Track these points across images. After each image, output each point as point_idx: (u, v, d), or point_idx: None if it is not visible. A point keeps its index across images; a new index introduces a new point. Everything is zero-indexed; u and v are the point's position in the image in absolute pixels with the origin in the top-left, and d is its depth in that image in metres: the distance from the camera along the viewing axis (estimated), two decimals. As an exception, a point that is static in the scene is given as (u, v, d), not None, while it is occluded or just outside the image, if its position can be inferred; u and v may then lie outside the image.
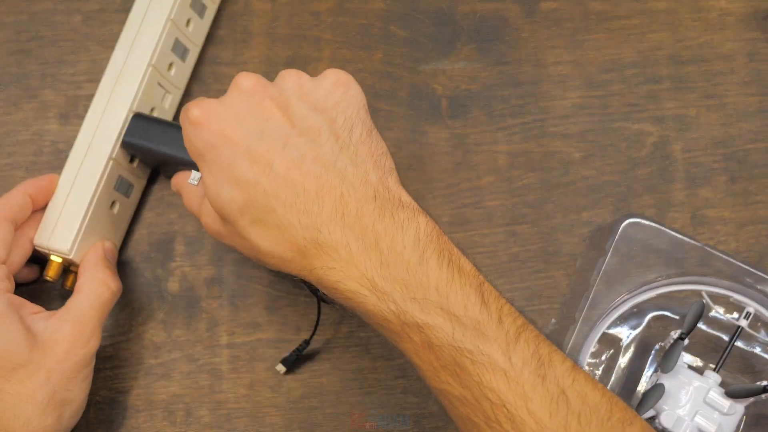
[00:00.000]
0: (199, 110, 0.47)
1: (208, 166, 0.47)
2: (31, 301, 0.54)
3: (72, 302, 0.53)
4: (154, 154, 0.57)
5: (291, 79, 0.48)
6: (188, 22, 0.61)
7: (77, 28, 0.64)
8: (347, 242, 0.44)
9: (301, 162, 0.45)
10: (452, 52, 0.64)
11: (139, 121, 0.57)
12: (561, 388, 0.42)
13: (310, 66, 0.63)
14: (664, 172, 0.61)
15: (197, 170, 0.53)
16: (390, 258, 0.44)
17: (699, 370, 0.54)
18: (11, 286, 0.54)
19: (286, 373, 0.58)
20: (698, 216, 0.61)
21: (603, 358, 0.56)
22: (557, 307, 0.59)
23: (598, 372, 0.56)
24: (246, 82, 0.47)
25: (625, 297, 0.55)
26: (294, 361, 0.57)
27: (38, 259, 0.58)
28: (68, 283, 0.58)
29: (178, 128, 0.55)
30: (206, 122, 0.47)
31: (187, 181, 0.54)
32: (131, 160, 0.58)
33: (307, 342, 0.57)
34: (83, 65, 0.63)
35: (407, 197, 0.47)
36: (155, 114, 0.60)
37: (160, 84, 0.59)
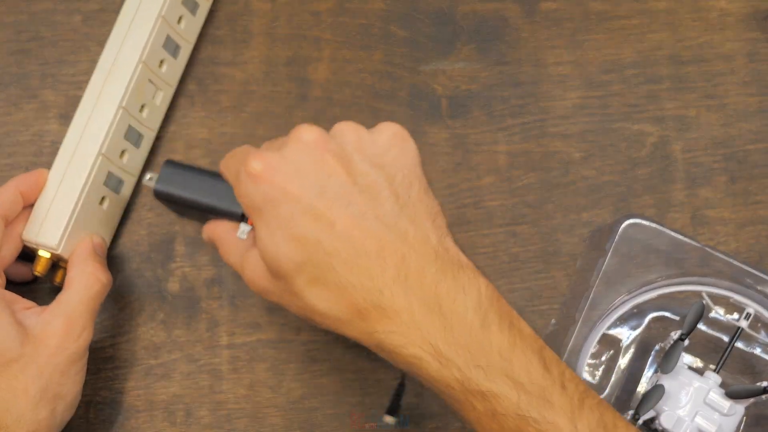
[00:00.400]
0: (260, 163, 0.45)
1: (266, 221, 0.45)
2: (25, 297, 0.54)
3: (62, 296, 0.53)
4: (188, 204, 0.56)
5: (350, 132, 0.47)
6: (180, 19, 0.61)
7: (77, 28, 0.64)
8: (410, 305, 0.43)
9: (362, 220, 0.44)
10: (452, 52, 0.64)
11: (171, 168, 0.56)
12: None
13: (310, 66, 0.63)
14: (664, 173, 0.61)
15: (239, 220, 0.52)
16: (453, 321, 0.43)
17: (699, 371, 0.54)
18: (1, 281, 0.54)
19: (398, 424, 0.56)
20: (698, 216, 0.61)
21: (603, 358, 0.56)
22: (557, 308, 0.59)
23: (598, 373, 0.56)
24: (308, 135, 0.46)
25: (625, 298, 0.55)
26: (398, 407, 0.54)
27: (32, 258, 0.58)
28: (58, 279, 0.58)
29: (211, 175, 0.55)
30: (268, 176, 0.45)
31: (227, 231, 0.52)
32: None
33: (402, 385, 0.54)
34: (83, 65, 0.63)
35: (465, 258, 0.45)
36: (146, 111, 0.59)
37: (151, 81, 0.59)
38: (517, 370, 0.42)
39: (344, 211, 0.44)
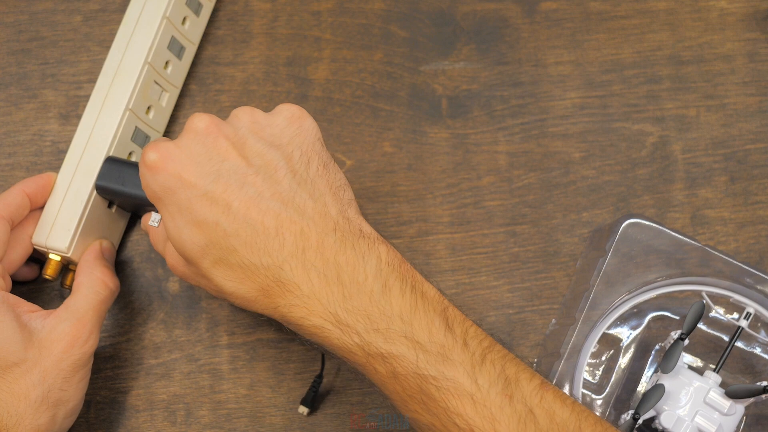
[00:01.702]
0: (155, 153, 0.47)
1: (168, 209, 0.47)
2: (30, 300, 0.54)
3: (70, 301, 0.53)
4: (125, 197, 0.56)
5: (245, 116, 0.48)
6: (184, 20, 0.61)
7: (77, 28, 0.64)
8: (309, 278, 0.44)
9: (259, 200, 0.45)
10: (452, 52, 0.64)
11: (112, 165, 0.56)
12: (529, 407, 0.42)
13: (311, 66, 0.63)
14: (664, 173, 0.61)
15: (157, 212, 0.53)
16: (352, 290, 0.44)
17: (699, 371, 0.54)
18: (6, 284, 0.54)
19: (310, 414, 0.58)
20: (698, 216, 0.61)
21: (603, 358, 0.56)
22: (557, 308, 0.59)
23: (598, 372, 0.56)
24: (200, 123, 0.47)
25: (625, 297, 0.55)
26: (313, 399, 0.57)
27: (38, 258, 0.58)
28: (67, 282, 0.58)
29: None
30: (162, 165, 0.47)
31: (152, 222, 0.54)
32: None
33: (320, 377, 0.57)
34: (83, 65, 0.63)
35: (368, 227, 0.47)
36: (152, 112, 0.60)
37: (156, 82, 0.59)
38: (417, 331, 0.43)
39: (240, 192, 0.45)
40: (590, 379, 0.56)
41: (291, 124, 0.48)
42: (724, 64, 0.63)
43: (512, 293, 0.59)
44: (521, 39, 0.64)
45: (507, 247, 0.60)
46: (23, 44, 0.64)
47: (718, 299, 0.55)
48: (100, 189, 0.56)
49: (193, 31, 0.62)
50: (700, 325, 0.56)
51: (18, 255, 0.55)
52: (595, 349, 0.55)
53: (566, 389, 0.54)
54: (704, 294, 0.55)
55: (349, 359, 0.45)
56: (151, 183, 0.47)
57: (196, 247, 0.46)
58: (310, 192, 0.46)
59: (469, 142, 0.62)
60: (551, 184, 0.61)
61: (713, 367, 0.54)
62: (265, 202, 0.45)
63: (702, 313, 0.53)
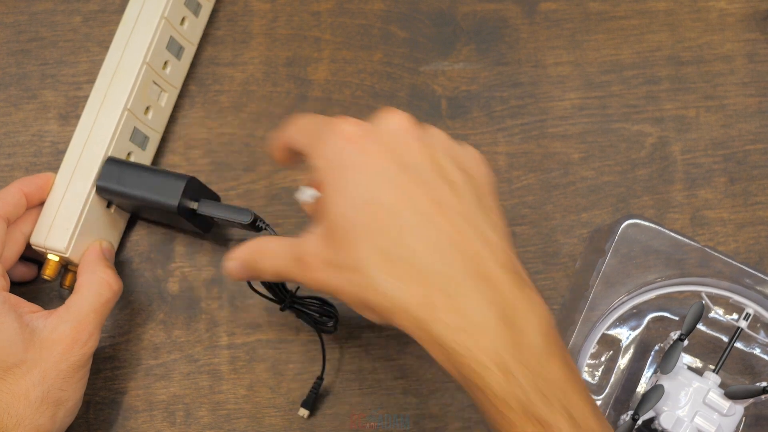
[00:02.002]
0: (354, 127, 0.44)
1: (348, 181, 0.42)
2: (30, 301, 0.54)
3: (71, 301, 0.53)
4: (126, 197, 0.56)
5: (438, 132, 0.46)
6: (183, 20, 0.61)
7: (77, 29, 0.64)
8: (482, 308, 0.40)
9: (445, 208, 0.42)
10: (452, 52, 0.64)
11: (113, 165, 0.56)
12: None
13: (310, 66, 0.63)
14: (663, 173, 0.61)
15: (175, 212, 0.54)
16: (522, 339, 0.40)
17: (698, 371, 0.54)
18: (6, 283, 0.54)
19: (310, 416, 0.58)
20: (698, 217, 0.61)
21: (602, 359, 0.56)
22: (557, 308, 0.59)
23: (598, 373, 0.56)
24: (400, 119, 0.44)
25: (625, 298, 0.55)
26: (314, 401, 0.57)
27: (36, 258, 0.58)
28: (66, 282, 0.58)
29: (152, 171, 0.56)
30: (360, 140, 0.43)
31: (264, 242, 0.47)
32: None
33: (320, 379, 0.57)
34: (83, 66, 0.63)
35: (530, 281, 0.43)
36: (151, 113, 0.60)
37: (155, 82, 0.59)
38: (573, 408, 0.40)
39: (428, 193, 0.42)
40: (589, 379, 0.56)
41: (476, 158, 0.46)
42: (724, 64, 0.63)
43: (512, 294, 0.59)
44: (521, 39, 0.64)
45: (506, 248, 0.60)
46: (23, 45, 0.64)
47: (717, 300, 0.55)
48: (100, 189, 0.56)
49: (192, 31, 0.62)
50: (700, 326, 0.56)
51: (12, 252, 0.55)
52: (594, 350, 0.56)
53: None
54: (704, 295, 0.55)
55: (498, 412, 0.40)
56: (339, 151, 0.43)
57: (363, 230, 0.41)
58: (490, 223, 0.43)
59: (468, 143, 0.62)
60: (551, 184, 0.61)
61: (712, 367, 0.54)
62: (448, 212, 0.42)
63: (701, 314, 0.53)
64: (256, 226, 0.55)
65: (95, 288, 0.54)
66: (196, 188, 0.56)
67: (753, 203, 0.61)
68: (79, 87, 0.63)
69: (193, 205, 0.55)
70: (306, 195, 0.49)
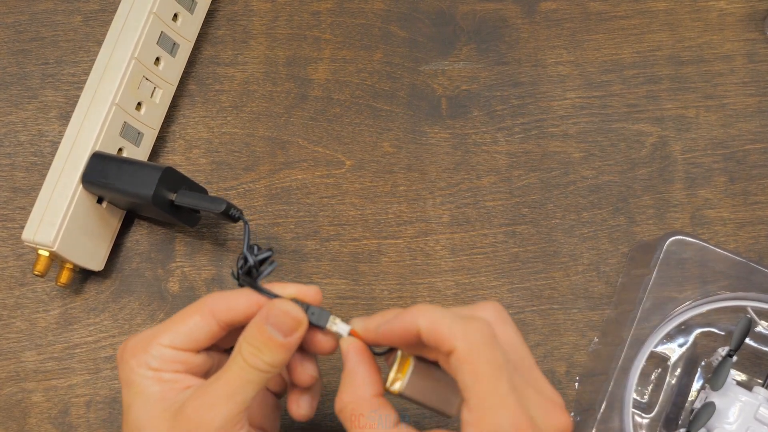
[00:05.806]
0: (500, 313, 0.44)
1: (511, 380, 0.41)
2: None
3: (225, 374, 0.44)
4: (112, 192, 0.56)
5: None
6: (175, 16, 0.61)
7: (77, 29, 0.64)
8: None
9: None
10: (452, 52, 0.64)
11: (98, 159, 0.56)
12: None
13: (310, 66, 0.63)
14: (663, 173, 0.61)
15: (149, 202, 0.53)
16: None
17: (745, 385, 0.53)
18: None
19: None
20: (697, 216, 0.61)
21: (651, 377, 0.55)
22: (557, 308, 0.59)
23: (647, 391, 0.55)
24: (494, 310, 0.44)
25: (671, 315, 0.55)
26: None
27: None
28: (61, 280, 0.57)
29: (132, 163, 0.56)
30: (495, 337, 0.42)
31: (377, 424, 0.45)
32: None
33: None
34: (83, 65, 0.63)
35: None
36: (144, 109, 0.59)
37: (147, 78, 0.59)
38: None
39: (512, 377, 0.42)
40: (638, 398, 0.55)
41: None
42: (724, 64, 0.63)
43: (512, 293, 0.59)
44: (521, 39, 0.64)
45: (507, 247, 0.60)
46: (23, 44, 0.64)
47: (762, 313, 0.55)
48: (86, 184, 0.56)
49: (186, 28, 0.62)
50: (746, 340, 0.55)
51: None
52: (642, 368, 0.55)
53: (615, 410, 0.53)
54: (749, 309, 0.55)
55: None
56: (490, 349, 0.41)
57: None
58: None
59: (468, 142, 0.62)
60: (551, 184, 0.61)
61: (760, 381, 0.54)
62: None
63: (749, 329, 0.53)
64: (229, 215, 0.54)
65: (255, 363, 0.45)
66: (176, 180, 0.56)
67: (753, 203, 0.61)
68: (79, 87, 0.63)
69: (171, 195, 0.55)
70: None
